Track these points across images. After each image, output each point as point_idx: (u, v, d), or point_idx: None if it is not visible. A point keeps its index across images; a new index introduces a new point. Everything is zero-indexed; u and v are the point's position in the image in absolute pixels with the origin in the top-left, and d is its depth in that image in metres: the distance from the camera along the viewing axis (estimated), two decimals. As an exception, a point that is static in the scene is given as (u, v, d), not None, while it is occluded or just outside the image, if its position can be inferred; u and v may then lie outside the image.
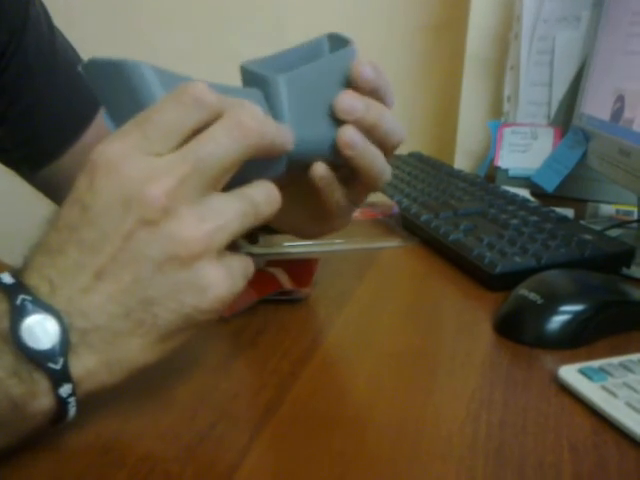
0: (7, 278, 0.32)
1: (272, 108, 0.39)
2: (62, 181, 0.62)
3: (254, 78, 0.39)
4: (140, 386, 0.38)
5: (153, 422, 0.36)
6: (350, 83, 0.41)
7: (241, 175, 0.34)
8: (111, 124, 0.36)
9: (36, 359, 0.30)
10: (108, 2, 1.19)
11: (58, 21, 0.61)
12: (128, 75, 0.34)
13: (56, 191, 0.64)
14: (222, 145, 0.32)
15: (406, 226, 0.69)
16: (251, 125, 0.33)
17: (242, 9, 1.17)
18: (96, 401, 0.33)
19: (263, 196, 0.35)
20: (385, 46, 1.13)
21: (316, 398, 0.39)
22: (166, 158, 0.32)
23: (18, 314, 0.30)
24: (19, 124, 0.58)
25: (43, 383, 0.31)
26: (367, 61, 0.41)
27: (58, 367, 0.31)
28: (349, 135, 0.40)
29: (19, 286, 0.31)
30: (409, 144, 1.06)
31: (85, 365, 0.32)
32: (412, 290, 0.58)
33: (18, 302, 0.30)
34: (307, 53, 0.43)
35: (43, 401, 0.31)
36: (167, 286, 0.32)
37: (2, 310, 0.31)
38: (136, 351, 0.33)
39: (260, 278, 0.53)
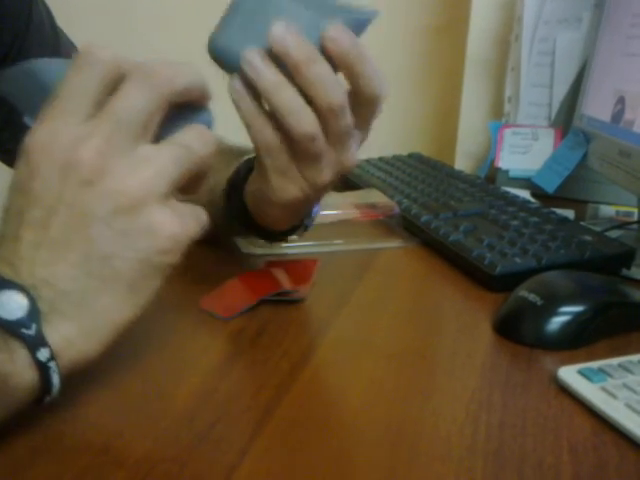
0: None
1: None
2: None
3: None
4: (139, 386, 0.39)
5: (152, 422, 0.36)
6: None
7: (171, 130, 0.35)
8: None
9: (10, 328, 0.31)
10: (108, 2, 1.19)
11: (58, 21, 0.61)
12: (36, 74, 0.37)
13: None
14: (134, 97, 0.33)
15: (406, 227, 0.69)
16: (162, 74, 0.34)
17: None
18: (96, 401, 0.33)
19: (194, 137, 0.35)
20: (386, 47, 1.13)
21: (315, 399, 0.39)
22: (88, 122, 0.33)
23: None
24: (23, 127, 0.58)
25: (21, 351, 0.32)
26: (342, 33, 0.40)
27: (32, 332, 0.32)
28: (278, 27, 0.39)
29: None
30: (409, 145, 1.07)
31: (61, 332, 0.33)
32: (412, 291, 0.58)
33: None
34: None
35: (25, 370, 0.32)
36: (119, 238, 0.33)
37: None
38: (108, 309, 0.34)
39: (260, 278, 0.53)
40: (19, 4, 0.55)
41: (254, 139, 0.42)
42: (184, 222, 0.34)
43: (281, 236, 0.53)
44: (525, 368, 0.43)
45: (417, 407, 0.38)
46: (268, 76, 0.40)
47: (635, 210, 0.75)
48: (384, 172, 0.87)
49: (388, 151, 0.98)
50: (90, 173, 0.32)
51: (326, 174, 0.43)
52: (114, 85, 0.34)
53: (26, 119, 0.38)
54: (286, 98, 0.40)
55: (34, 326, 0.32)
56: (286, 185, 0.44)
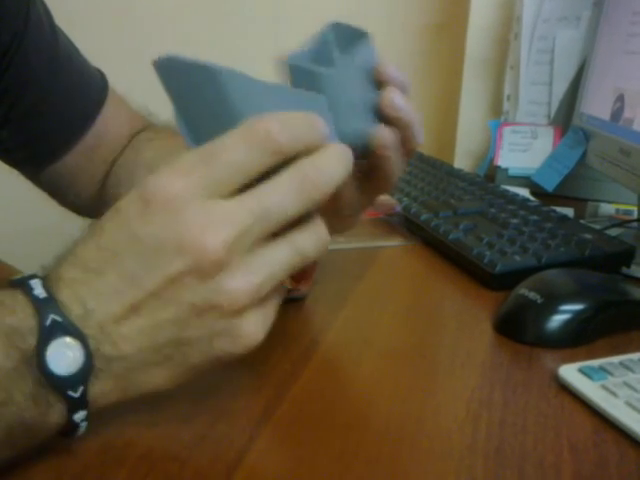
0: (39, 289, 0.30)
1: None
2: (65, 181, 0.62)
3: (302, 73, 0.38)
4: (140, 398, 0.38)
5: (152, 421, 0.36)
6: (376, 80, 0.40)
7: None
8: (184, 128, 0.34)
9: (56, 385, 0.30)
10: (108, 2, 1.19)
11: (57, 21, 0.61)
12: (216, 83, 0.32)
13: (60, 191, 0.64)
14: (286, 200, 0.31)
15: (406, 225, 0.69)
16: (317, 183, 0.32)
17: (241, 9, 1.17)
18: (102, 410, 0.33)
19: (314, 244, 0.33)
20: (385, 46, 1.13)
21: (316, 397, 0.39)
22: (229, 204, 0.30)
23: (46, 336, 0.29)
24: (22, 125, 0.58)
25: (58, 407, 0.30)
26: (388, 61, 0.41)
27: (77, 395, 0.30)
28: (386, 133, 0.40)
29: (50, 302, 0.30)
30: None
31: (102, 388, 0.31)
32: (412, 289, 0.58)
33: (48, 322, 0.29)
34: (317, 49, 0.41)
35: (55, 423, 0.31)
36: (203, 330, 0.31)
37: (28, 328, 0.29)
38: (157, 380, 0.33)
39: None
40: (17, 3, 0.55)
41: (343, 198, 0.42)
42: (266, 328, 0.33)
43: None
44: (525, 366, 0.43)
45: (418, 406, 0.38)
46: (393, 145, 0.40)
47: (635, 208, 0.75)
48: (384, 171, 0.87)
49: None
50: (208, 264, 0.29)
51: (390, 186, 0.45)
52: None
53: (178, 119, 0.35)
54: (401, 161, 0.42)
55: (81, 389, 0.30)
56: (353, 222, 0.47)
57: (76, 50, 0.62)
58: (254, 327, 0.32)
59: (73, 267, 0.31)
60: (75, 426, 0.31)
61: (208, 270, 0.30)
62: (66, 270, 0.31)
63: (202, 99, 0.33)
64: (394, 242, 0.66)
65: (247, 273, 0.31)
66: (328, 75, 0.37)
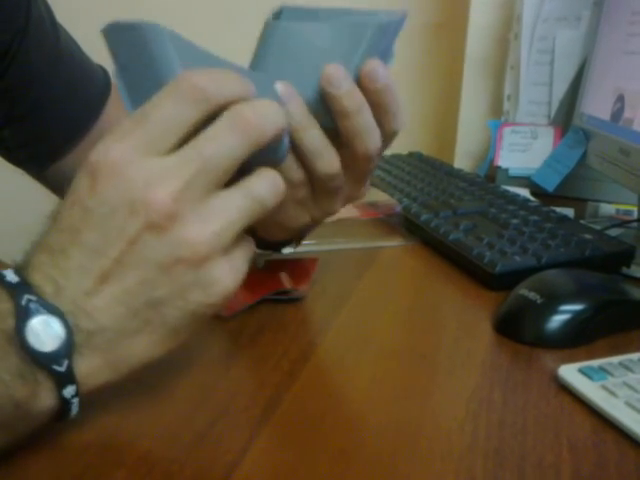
0: (11, 276, 0.31)
1: (260, 53, 0.38)
2: (68, 180, 0.62)
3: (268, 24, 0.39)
4: (139, 385, 0.38)
5: (152, 421, 0.36)
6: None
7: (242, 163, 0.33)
8: (125, 94, 0.35)
9: (41, 361, 0.30)
10: (107, 1, 1.19)
11: (59, 18, 0.61)
12: (146, 40, 0.33)
13: (63, 190, 0.64)
14: (226, 144, 0.32)
15: (406, 226, 0.69)
16: (254, 122, 0.32)
17: (242, 8, 1.17)
18: (95, 400, 0.33)
19: (267, 188, 0.34)
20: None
21: (315, 397, 0.39)
22: (170, 159, 0.31)
23: (23, 315, 0.30)
24: (23, 124, 0.58)
25: (47, 384, 0.31)
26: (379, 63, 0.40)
27: (62, 369, 0.31)
28: (333, 71, 0.38)
29: (23, 285, 0.31)
30: (409, 144, 1.07)
31: (89, 365, 0.32)
32: (412, 290, 0.58)
33: (23, 302, 0.30)
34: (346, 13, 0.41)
35: (46, 402, 0.31)
36: (173, 286, 0.32)
37: (6, 309, 0.30)
38: (142, 348, 0.33)
39: (260, 278, 0.53)
40: (17, 1, 0.55)
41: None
42: (238, 272, 0.33)
43: (276, 246, 0.53)
44: (525, 366, 0.43)
45: (417, 406, 0.38)
46: (298, 117, 0.39)
47: (635, 208, 0.75)
48: (384, 171, 0.87)
49: (387, 150, 0.98)
50: (160, 217, 0.30)
51: (339, 205, 0.45)
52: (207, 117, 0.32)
53: (119, 86, 0.35)
54: (314, 139, 0.40)
55: (65, 362, 0.30)
56: (301, 214, 0.45)
57: (78, 47, 0.62)
58: (221, 274, 0.32)
59: (40, 252, 0.32)
60: (67, 404, 0.32)
61: (162, 224, 0.30)
62: (35, 257, 0.32)
63: (137, 61, 0.34)
64: (394, 242, 0.66)
65: (202, 221, 0.31)
66: (282, 27, 0.38)
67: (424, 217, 0.66)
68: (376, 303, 0.53)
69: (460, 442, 0.35)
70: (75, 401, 0.32)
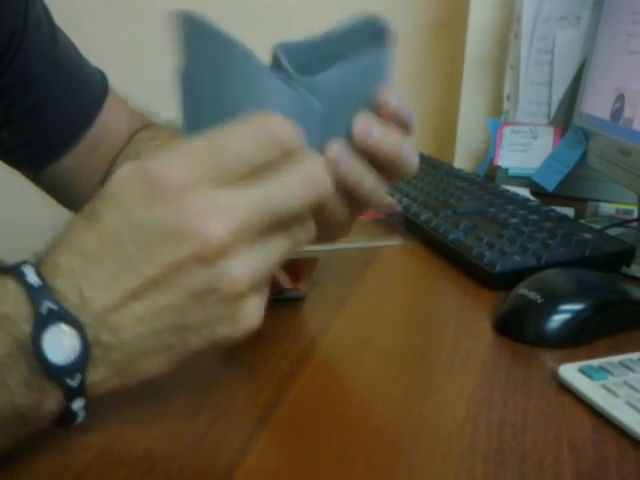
0: (32, 277, 0.30)
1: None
2: (65, 181, 0.62)
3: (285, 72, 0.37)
4: (139, 385, 0.38)
5: (152, 421, 0.36)
6: (374, 101, 0.39)
7: None
8: (182, 99, 0.34)
9: (53, 373, 0.29)
10: (105, 3, 1.19)
11: (58, 19, 0.61)
12: (235, 61, 0.32)
13: (60, 191, 0.64)
14: (294, 197, 0.32)
15: (406, 225, 0.69)
16: (324, 181, 0.33)
17: (243, 7, 1.17)
18: (96, 400, 0.33)
19: (307, 237, 0.34)
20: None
21: (315, 397, 0.39)
22: (235, 195, 0.30)
23: (41, 323, 0.29)
24: (21, 125, 0.58)
25: (54, 394, 0.30)
26: (392, 89, 0.40)
27: (75, 384, 0.30)
28: (362, 126, 0.39)
29: (45, 290, 0.29)
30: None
31: (100, 376, 0.31)
32: (412, 289, 0.58)
33: (43, 310, 0.29)
34: (341, 40, 0.40)
35: (50, 410, 0.31)
36: (203, 316, 0.31)
37: (22, 313, 0.29)
38: (156, 367, 0.32)
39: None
40: (15, 3, 0.55)
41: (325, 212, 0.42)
42: (262, 313, 0.33)
43: None
44: (525, 366, 0.43)
45: (417, 405, 0.38)
46: (356, 170, 0.40)
47: (635, 208, 0.75)
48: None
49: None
50: (211, 250, 0.29)
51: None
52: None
53: (179, 78, 0.33)
54: (371, 184, 0.40)
55: (79, 377, 0.30)
56: (322, 234, 0.45)
57: (76, 50, 0.62)
58: (252, 311, 0.32)
59: (70, 255, 0.31)
60: (73, 415, 0.31)
61: (211, 257, 0.30)
62: (63, 258, 0.31)
63: (211, 74, 0.33)
64: (394, 242, 0.66)
65: (247, 260, 0.31)
66: (303, 85, 0.36)
67: (424, 217, 0.66)
68: (376, 303, 0.53)
69: (460, 442, 0.34)
70: (82, 414, 0.31)
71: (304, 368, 0.41)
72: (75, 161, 0.61)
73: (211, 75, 0.33)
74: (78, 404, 0.31)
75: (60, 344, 0.29)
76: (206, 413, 0.36)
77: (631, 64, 0.68)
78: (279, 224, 0.32)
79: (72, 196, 0.65)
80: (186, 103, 0.34)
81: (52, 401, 0.30)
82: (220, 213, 0.30)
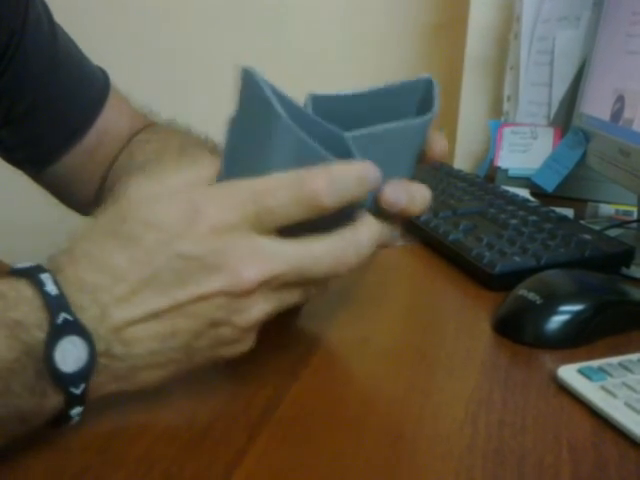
0: (50, 285, 0.30)
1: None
2: (66, 180, 0.62)
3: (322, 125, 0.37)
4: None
5: (151, 422, 0.36)
6: (421, 152, 0.40)
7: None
8: (227, 147, 0.36)
9: (60, 381, 0.30)
10: (107, 2, 1.19)
11: (59, 17, 0.61)
12: (271, 127, 0.33)
13: (61, 190, 0.64)
14: (321, 269, 0.34)
15: (405, 226, 0.68)
16: (350, 263, 0.35)
17: (240, 8, 1.17)
18: (95, 401, 0.33)
19: (318, 293, 0.37)
20: (385, 45, 1.13)
21: (315, 398, 0.39)
22: (271, 245, 0.33)
23: (56, 333, 0.29)
24: (21, 125, 0.58)
25: (54, 399, 0.31)
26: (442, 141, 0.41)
27: (78, 392, 0.31)
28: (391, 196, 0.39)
29: (62, 300, 0.30)
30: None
31: (99, 381, 0.32)
32: (411, 290, 0.58)
33: (59, 320, 0.30)
34: (386, 98, 0.40)
35: (48, 413, 0.31)
36: (212, 341, 0.34)
37: (35, 321, 0.30)
38: (156, 378, 0.34)
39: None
40: (15, 2, 0.55)
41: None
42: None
43: None
44: (525, 367, 0.43)
45: (417, 406, 0.38)
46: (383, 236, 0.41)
47: (634, 209, 0.75)
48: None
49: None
50: (241, 291, 0.32)
51: None
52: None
53: (225, 148, 0.35)
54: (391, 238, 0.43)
55: (82, 386, 0.31)
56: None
57: (77, 48, 0.62)
58: (252, 339, 0.36)
59: (97, 272, 0.31)
60: (69, 418, 0.32)
61: (238, 294, 0.32)
62: (89, 274, 0.31)
63: (252, 130, 0.35)
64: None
65: (265, 304, 0.34)
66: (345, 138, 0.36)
67: (424, 217, 0.66)
68: (376, 303, 0.53)
69: (460, 443, 0.34)
70: (78, 417, 0.32)
71: (304, 368, 0.41)
72: (76, 161, 0.61)
73: (249, 127, 0.35)
74: (76, 411, 0.31)
75: (70, 354, 0.30)
76: (206, 413, 0.36)
77: (631, 65, 0.68)
78: (299, 283, 0.35)
79: (74, 195, 0.65)
80: (227, 145, 0.36)
81: (52, 405, 0.31)
82: (257, 259, 0.32)
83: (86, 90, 0.61)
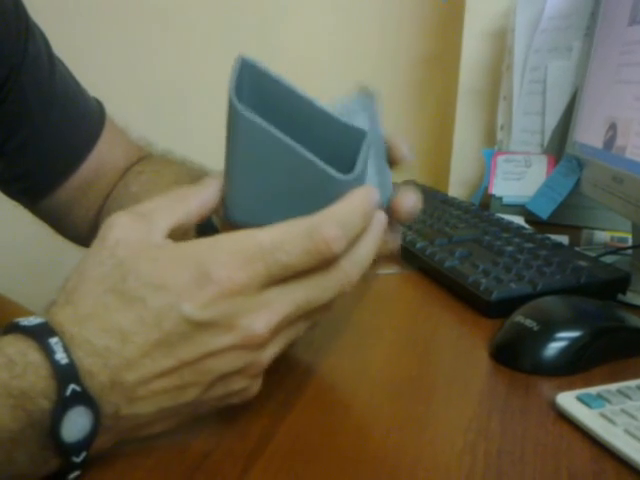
0: (60, 353, 0.29)
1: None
2: (61, 213, 0.62)
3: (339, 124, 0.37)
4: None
5: (145, 453, 0.35)
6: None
7: None
8: (232, 188, 0.36)
9: (62, 450, 0.30)
10: (107, 2, 1.19)
11: (53, 22, 0.61)
12: (232, 117, 0.33)
13: (57, 222, 0.64)
14: (326, 295, 0.34)
15: (402, 253, 0.68)
16: (355, 281, 0.35)
17: (237, 11, 1.18)
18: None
19: (324, 316, 0.37)
20: (379, 78, 1.14)
21: (310, 428, 0.38)
22: (277, 293, 0.33)
23: (64, 405, 0.29)
24: (16, 158, 0.58)
25: (54, 463, 0.31)
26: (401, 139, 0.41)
27: (79, 460, 0.31)
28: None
29: (71, 370, 0.29)
30: (404, 172, 1.07)
31: (101, 441, 0.32)
32: (408, 317, 0.58)
33: (67, 392, 0.29)
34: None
35: (47, 476, 0.31)
36: (222, 392, 0.34)
37: (42, 390, 0.29)
38: (156, 430, 0.34)
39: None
40: (15, 38, 0.56)
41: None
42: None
43: None
44: (523, 395, 0.42)
45: (414, 435, 0.37)
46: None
47: (629, 235, 0.75)
48: (379, 200, 0.87)
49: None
50: (251, 345, 0.32)
51: None
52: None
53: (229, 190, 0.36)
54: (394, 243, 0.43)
55: (83, 454, 0.31)
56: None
57: (74, 82, 0.62)
58: (259, 384, 0.36)
59: (105, 334, 0.31)
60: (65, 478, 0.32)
61: (250, 347, 0.33)
62: (96, 335, 0.31)
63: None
64: (389, 270, 0.66)
65: (275, 345, 0.34)
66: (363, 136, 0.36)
67: (419, 245, 0.66)
68: (372, 331, 0.52)
69: (458, 472, 0.34)
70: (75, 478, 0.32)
71: (299, 398, 0.41)
72: (70, 194, 0.61)
73: (228, 124, 0.35)
74: (73, 475, 0.31)
75: (76, 424, 0.30)
76: (200, 443, 0.36)
77: (622, 93, 0.69)
78: (307, 315, 0.35)
79: (70, 227, 0.64)
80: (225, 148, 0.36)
81: (51, 469, 0.31)
82: (263, 311, 0.32)
83: (80, 126, 0.61)
